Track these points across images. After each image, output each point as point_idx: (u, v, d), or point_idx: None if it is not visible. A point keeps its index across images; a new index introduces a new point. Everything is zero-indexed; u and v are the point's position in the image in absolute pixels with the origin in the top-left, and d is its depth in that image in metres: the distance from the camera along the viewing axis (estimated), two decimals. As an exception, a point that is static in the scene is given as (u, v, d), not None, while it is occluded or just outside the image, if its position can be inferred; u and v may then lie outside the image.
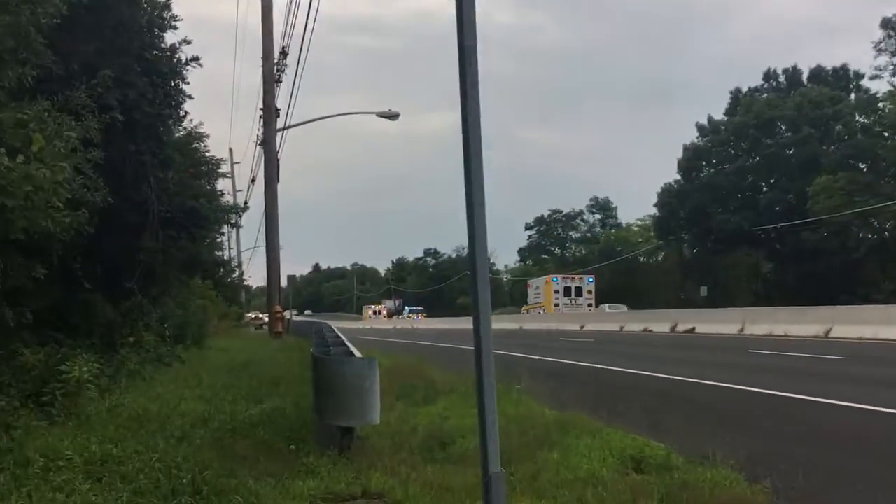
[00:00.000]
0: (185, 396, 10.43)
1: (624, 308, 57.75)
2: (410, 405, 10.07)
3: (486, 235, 3.37)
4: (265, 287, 34.94)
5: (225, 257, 50.66)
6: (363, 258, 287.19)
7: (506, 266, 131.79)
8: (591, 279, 67.36)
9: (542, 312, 62.19)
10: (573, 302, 63.32)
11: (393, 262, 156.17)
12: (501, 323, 51.19)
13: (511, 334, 36.22)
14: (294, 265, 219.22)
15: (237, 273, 51.80)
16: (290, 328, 33.47)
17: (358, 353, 8.24)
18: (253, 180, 41.45)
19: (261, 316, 75.76)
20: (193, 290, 24.53)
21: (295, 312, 54.95)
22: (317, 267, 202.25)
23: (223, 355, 19.51)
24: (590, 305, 63.97)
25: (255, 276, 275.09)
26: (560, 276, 67.52)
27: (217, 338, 26.85)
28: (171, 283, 17.45)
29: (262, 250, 36.06)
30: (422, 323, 78.09)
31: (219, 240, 38.76)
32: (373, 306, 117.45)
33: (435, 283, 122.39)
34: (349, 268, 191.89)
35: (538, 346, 25.90)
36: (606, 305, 61.34)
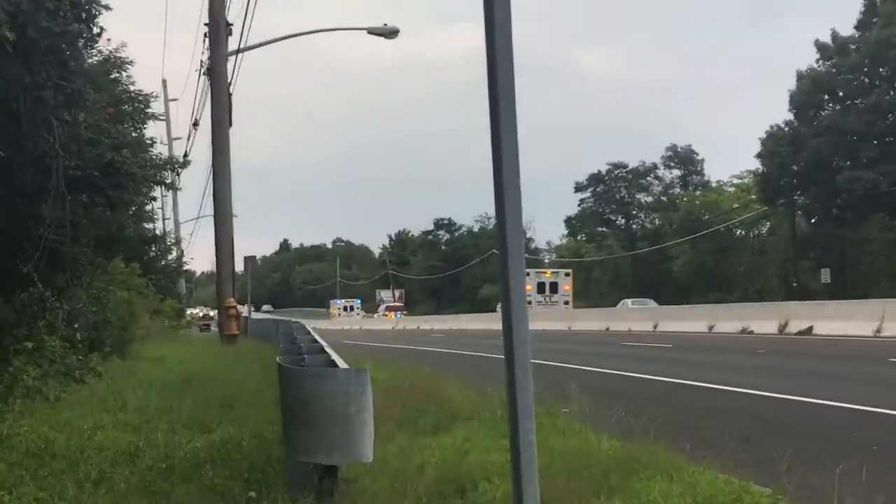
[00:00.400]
0: (103, 423, 10.51)
1: (652, 303, 61.88)
2: (416, 435, 10.10)
3: (520, 202, 3.33)
4: (213, 273, 35.10)
5: (158, 231, 50.89)
6: (349, 232, 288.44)
7: (548, 243, 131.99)
8: (567, 273, 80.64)
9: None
10: (547, 299, 76.11)
11: (391, 238, 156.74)
12: (543, 321, 51.32)
13: (556, 337, 36.30)
14: (254, 242, 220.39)
15: (175, 254, 51.97)
16: (247, 329, 33.67)
17: (342, 363, 8.25)
18: (196, 124, 41.52)
19: (209, 313, 75.99)
20: (114, 278, 24.66)
21: (269, 308, 55.27)
22: (285, 245, 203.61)
23: (156, 367, 19.64)
24: (566, 303, 76.05)
25: (199, 257, 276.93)
26: (533, 271, 79.64)
27: (148, 343, 27.04)
28: (82, 267, 17.52)
29: (210, 221, 36.24)
30: (403, 321, 79.16)
31: (149, 207, 38.94)
32: (341, 301, 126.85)
33: (450, 266, 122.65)
34: (329, 245, 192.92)
35: (594, 354, 25.90)
36: (629, 301, 66.83)
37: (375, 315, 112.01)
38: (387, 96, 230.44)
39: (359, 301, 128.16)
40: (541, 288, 76.86)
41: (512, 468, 3.26)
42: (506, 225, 3.24)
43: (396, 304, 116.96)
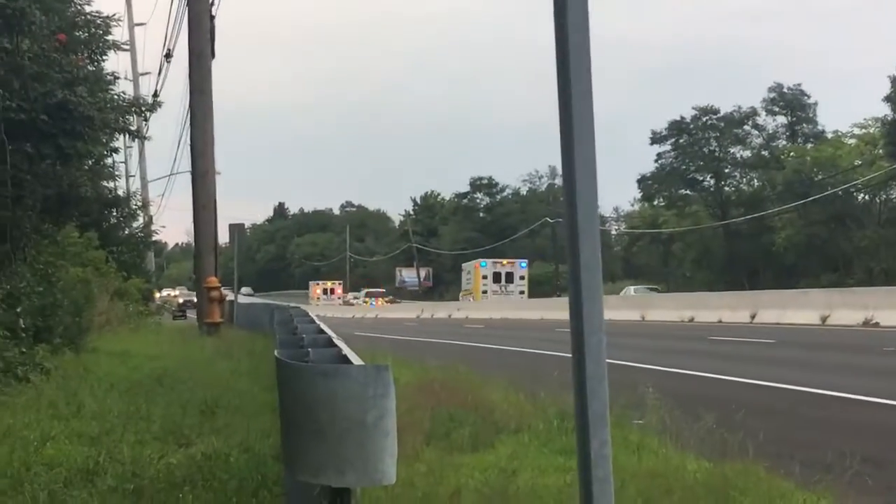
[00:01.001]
0: (53, 433, 10.59)
1: (656, 289, 70.19)
2: (450, 450, 10.12)
3: (594, 158, 3.31)
4: (190, 245, 35.12)
5: (120, 192, 51.16)
6: (362, 195, 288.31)
7: (616, 210, 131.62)
8: (523, 264, 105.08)
9: (471, 300, 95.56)
10: (503, 289, 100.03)
11: (415, 202, 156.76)
12: (609, 310, 51.17)
13: (627, 329, 36.25)
14: (242, 207, 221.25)
15: (141, 220, 52.26)
16: (234, 316, 33.78)
17: (356, 358, 8.26)
18: (168, 56, 41.64)
19: (192, 298, 76.12)
20: (66, 250, 24.79)
21: (248, 290, 55.41)
22: (280, 210, 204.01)
23: (119, 363, 19.76)
24: (521, 293, 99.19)
25: (173, 225, 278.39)
26: (489, 261, 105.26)
27: (108, 333, 27.21)
28: (26, 236, 17.64)
29: (186, 180, 36.29)
30: (431, 308, 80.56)
31: (109, 161, 39.11)
32: (323, 283, 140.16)
33: (490, 238, 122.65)
34: (337, 211, 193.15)
35: (674, 351, 25.88)
36: (631, 287, 78.17)
37: (353, 301, 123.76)
38: (408, 13, 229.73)
39: (339, 283, 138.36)
40: (496, 278, 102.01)
41: (582, 490, 3.23)
42: (576, 184, 3.20)
43: (377, 290, 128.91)
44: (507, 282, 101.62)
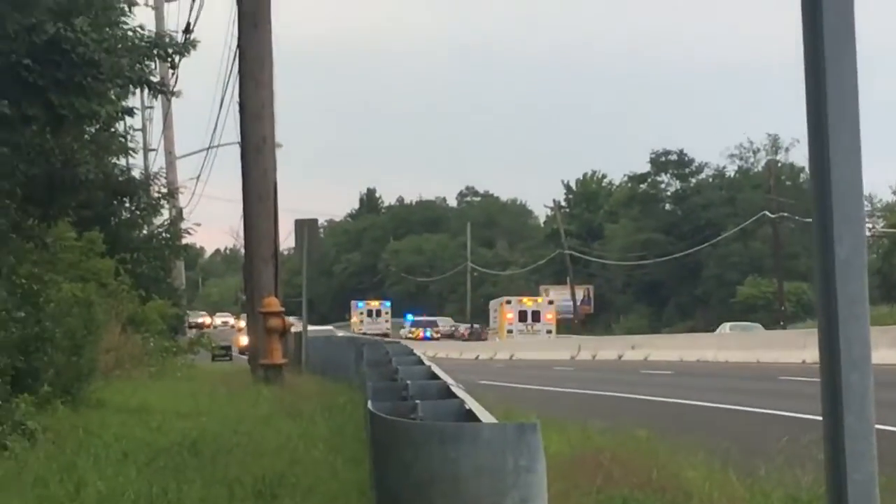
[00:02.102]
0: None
1: (758, 328, 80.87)
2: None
3: (857, 107, 3.32)
4: (236, 252, 35.11)
5: (137, 173, 51.72)
6: (490, 178, 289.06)
7: (869, 198, 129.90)
8: (550, 302, 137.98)
9: (497, 341, 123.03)
10: (529, 328, 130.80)
11: (568, 189, 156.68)
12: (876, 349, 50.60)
13: (886, 377, 35.80)
14: (314, 195, 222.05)
15: (167, 214, 52.82)
16: (303, 356, 33.80)
17: (487, 414, 8.31)
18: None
19: (232, 323, 75.58)
20: (57, 259, 25.05)
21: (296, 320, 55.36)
22: (370, 199, 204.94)
23: (135, 422, 20.00)
24: (549, 332, 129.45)
25: (212, 223, 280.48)
26: (515, 299, 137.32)
27: (119, 378, 27.50)
28: (1, 236, 17.92)
29: (232, 156, 36.55)
30: (593, 345, 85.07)
31: (121, 127, 39.68)
32: (366, 304, 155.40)
33: (681, 241, 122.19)
34: (453, 202, 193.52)
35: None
36: (727, 325, 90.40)
37: (402, 331, 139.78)
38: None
39: (388, 303, 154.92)
40: (522, 316, 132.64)
41: None
42: (829, 156, 3.16)
43: (427, 318, 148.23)
44: (533, 321, 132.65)
